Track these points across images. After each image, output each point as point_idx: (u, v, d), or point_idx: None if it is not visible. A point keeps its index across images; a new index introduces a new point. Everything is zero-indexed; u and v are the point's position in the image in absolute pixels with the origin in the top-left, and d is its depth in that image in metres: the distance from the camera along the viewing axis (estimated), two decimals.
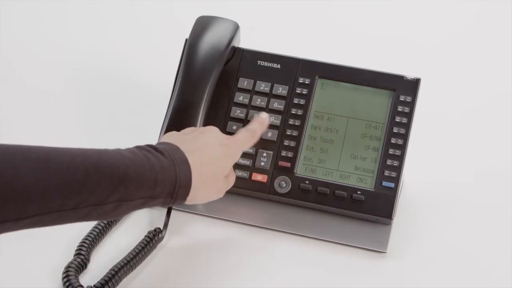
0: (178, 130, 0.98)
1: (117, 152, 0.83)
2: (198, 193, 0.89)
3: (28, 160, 0.75)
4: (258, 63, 1.07)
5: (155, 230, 0.98)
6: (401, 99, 1.02)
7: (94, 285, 0.91)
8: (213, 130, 0.95)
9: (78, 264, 0.94)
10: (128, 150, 0.84)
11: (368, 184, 1.01)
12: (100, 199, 0.79)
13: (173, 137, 0.93)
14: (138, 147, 0.86)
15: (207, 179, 0.89)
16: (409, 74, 1.03)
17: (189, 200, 0.88)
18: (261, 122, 1.00)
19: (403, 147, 1.01)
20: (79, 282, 0.91)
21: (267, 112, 1.04)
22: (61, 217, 0.79)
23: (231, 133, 1.04)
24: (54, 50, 1.32)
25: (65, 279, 0.92)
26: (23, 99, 1.22)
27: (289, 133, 1.03)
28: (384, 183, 1.00)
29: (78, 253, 0.95)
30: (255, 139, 0.99)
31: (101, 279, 0.92)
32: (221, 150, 0.92)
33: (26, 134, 1.14)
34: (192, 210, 1.04)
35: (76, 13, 1.39)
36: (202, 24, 1.06)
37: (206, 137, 0.93)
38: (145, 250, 0.96)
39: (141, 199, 0.83)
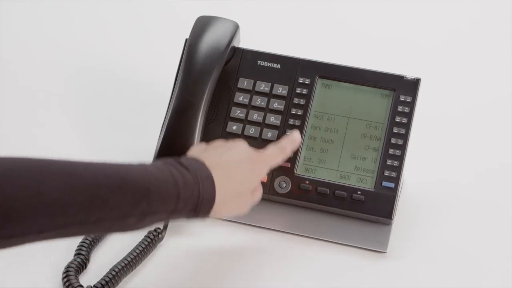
0: (178, 130, 0.98)
1: (142, 167, 0.83)
2: (222, 209, 0.88)
3: (52, 175, 0.76)
4: (258, 63, 1.07)
5: (155, 230, 0.98)
6: (401, 99, 1.02)
7: (94, 285, 0.91)
8: (241, 146, 0.95)
9: (78, 264, 0.94)
10: (153, 165, 0.85)
11: (368, 184, 1.01)
12: (123, 214, 0.80)
13: (200, 151, 0.93)
14: (163, 161, 0.86)
15: (231, 195, 0.89)
16: (409, 74, 1.03)
17: (213, 214, 0.88)
18: (292, 140, 0.99)
19: (403, 147, 1.01)
20: (79, 282, 0.91)
21: (267, 112, 1.04)
22: (84, 230, 0.79)
23: (231, 133, 1.04)
24: (54, 50, 1.32)
25: (65, 279, 0.92)
26: (23, 99, 1.22)
27: (289, 133, 1.03)
28: (384, 183, 1.00)
29: (78, 253, 0.95)
30: (284, 156, 0.98)
31: (101, 279, 0.92)
32: (247, 166, 0.92)
33: (26, 134, 1.14)
34: None
35: (76, 13, 1.39)
36: (202, 24, 1.06)
37: (233, 153, 0.92)
38: (145, 250, 0.96)
39: (163, 213, 0.83)
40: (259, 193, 0.95)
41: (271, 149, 0.97)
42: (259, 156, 0.94)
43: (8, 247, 0.76)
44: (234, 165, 0.90)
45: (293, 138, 1.00)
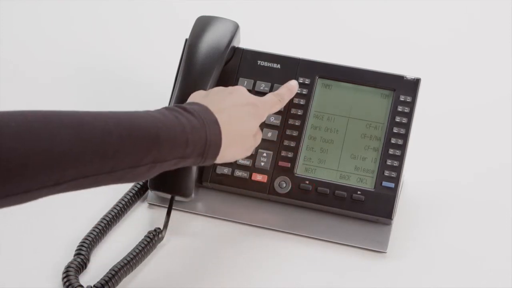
0: None
1: (148, 114, 0.84)
2: (227, 152, 0.90)
3: (63, 128, 0.77)
4: (258, 63, 1.07)
5: (155, 230, 0.98)
6: (401, 99, 1.02)
7: (94, 285, 0.91)
8: (241, 90, 0.96)
9: (78, 264, 0.94)
10: (158, 111, 0.86)
11: (368, 184, 1.01)
12: (135, 161, 0.81)
13: (202, 96, 0.94)
14: (167, 108, 0.87)
15: (235, 138, 0.91)
16: (409, 74, 1.03)
17: (219, 159, 0.90)
18: (289, 89, 1.02)
19: (403, 147, 1.01)
20: (79, 282, 0.91)
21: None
22: (97, 181, 0.80)
23: None
24: (54, 50, 1.32)
25: (65, 279, 0.92)
26: (23, 98, 1.22)
27: (289, 133, 1.03)
28: (384, 183, 1.00)
29: (78, 253, 0.95)
30: (282, 104, 1.01)
31: (101, 279, 0.92)
32: (248, 110, 0.94)
33: None
34: (192, 210, 1.04)
35: (76, 13, 1.39)
36: (202, 24, 1.06)
37: (234, 97, 0.94)
38: (145, 250, 0.96)
39: (173, 159, 0.85)
40: (259, 136, 0.98)
41: (269, 96, 1.00)
42: (259, 101, 0.96)
43: (24, 202, 0.77)
44: (237, 109, 0.92)
45: (290, 86, 1.02)
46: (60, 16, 1.39)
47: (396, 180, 1.00)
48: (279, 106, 1.00)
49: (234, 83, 1.06)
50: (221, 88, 0.97)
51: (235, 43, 1.07)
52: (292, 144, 1.03)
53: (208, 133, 0.87)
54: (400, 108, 1.02)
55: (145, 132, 0.82)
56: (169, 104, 1.03)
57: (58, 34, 1.35)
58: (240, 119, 0.92)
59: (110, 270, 0.93)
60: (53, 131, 0.76)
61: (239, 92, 0.95)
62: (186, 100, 0.99)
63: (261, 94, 1.05)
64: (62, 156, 0.76)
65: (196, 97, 0.95)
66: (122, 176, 0.81)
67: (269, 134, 1.03)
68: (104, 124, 0.80)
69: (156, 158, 0.83)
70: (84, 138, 0.77)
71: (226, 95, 0.94)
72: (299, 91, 1.04)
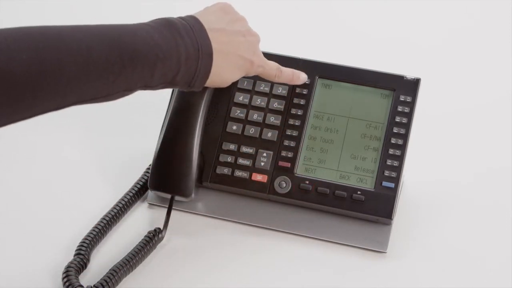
0: (178, 130, 0.98)
1: (149, 35, 0.86)
2: (217, 79, 0.93)
3: (72, 54, 0.79)
4: None
5: (155, 230, 0.98)
6: (401, 99, 1.02)
7: (94, 285, 0.91)
8: (244, 22, 0.98)
9: (78, 264, 0.94)
10: (159, 31, 0.87)
11: (368, 184, 1.01)
12: (129, 87, 0.85)
13: (209, 13, 0.95)
14: (169, 26, 0.89)
15: (228, 65, 0.93)
16: (409, 74, 1.03)
17: (208, 85, 0.93)
18: (295, 74, 1.02)
19: (403, 147, 1.01)
20: (79, 282, 0.91)
21: (267, 112, 1.04)
22: (93, 102, 0.84)
23: (231, 133, 1.04)
24: None
25: (65, 279, 0.92)
26: None
27: (289, 133, 1.03)
28: (384, 183, 1.00)
29: (78, 253, 0.95)
30: (275, 78, 1.01)
31: (101, 279, 0.92)
32: (246, 39, 0.96)
33: (26, 133, 1.14)
34: (192, 210, 1.04)
35: (76, 13, 1.39)
36: None
37: (237, 25, 0.96)
38: (145, 250, 0.96)
39: (160, 84, 0.88)
40: (251, 38, 0.97)
41: (273, 63, 1.01)
42: (257, 39, 0.98)
43: (30, 118, 0.80)
44: (235, 38, 0.94)
45: (296, 73, 1.03)
46: (61, 15, 1.39)
47: (396, 180, 1.00)
48: (271, 74, 1.01)
49: (234, 83, 1.05)
50: (227, 8, 0.98)
51: None
52: (292, 144, 1.03)
53: (200, 66, 0.90)
54: (400, 108, 1.02)
55: (145, 60, 0.84)
56: (169, 104, 1.03)
57: None
58: (236, 47, 0.94)
59: (110, 270, 0.93)
60: (61, 57, 0.78)
61: (242, 23, 0.97)
62: (186, 100, 0.99)
63: (261, 94, 1.05)
64: (68, 83, 0.78)
65: (207, 11, 0.96)
66: (115, 98, 0.85)
67: (269, 134, 1.03)
68: (109, 51, 0.81)
69: (147, 84, 0.86)
70: (89, 66, 0.80)
71: (229, 21, 0.95)
72: (299, 91, 1.04)
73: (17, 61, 0.75)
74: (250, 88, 1.05)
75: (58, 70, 0.77)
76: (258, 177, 1.02)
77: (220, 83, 0.95)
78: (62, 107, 0.81)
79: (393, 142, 1.01)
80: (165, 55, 0.86)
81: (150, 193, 1.05)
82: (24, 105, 0.77)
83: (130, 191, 1.04)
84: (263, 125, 1.03)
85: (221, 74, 0.93)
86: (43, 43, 0.77)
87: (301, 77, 1.03)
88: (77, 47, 0.79)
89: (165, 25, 0.89)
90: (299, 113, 1.04)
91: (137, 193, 1.04)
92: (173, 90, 1.05)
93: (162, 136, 1.01)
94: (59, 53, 0.78)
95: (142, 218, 1.03)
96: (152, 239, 0.97)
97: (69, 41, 0.79)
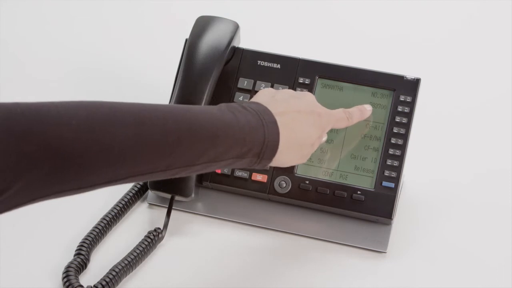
0: None
1: (207, 112, 0.83)
2: (283, 157, 0.88)
3: (124, 127, 0.75)
4: (258, 63, 1.07)
5: (155, 230, 0.98)
6: (401, 99, 1.02)
7: (94, 285, 0.91)
8: (309, 97, 0.94)
9: (78, 264, 0.94)
10: (217, 108, 0.84)
11: (368, 184, 1.01)
12: (191, 160, 0.80)
13: (266, 97, 0.92)
14: (226, 105, 0.85)
15: (293, 143, 0.89)
16: (409, 74, 1.03)
17: (274, 162, 0.88)
18: (361, 110, 1.00)
19: (403, 147, 1.01)
20: (79, 282, 0.92)
21: None
22: (151, 177, 0.79)
23: None
24: (54, 48, 1.32)
25: (65, 279, 0.92)
26: (24, 97, 1.22)
27: None
28: (384, 183, 1.00)
29: (78, 253, 0.95)
30: (349, 123, 0.98)
31: (101, 279, 0.92)
32: (312, 118, 0.92)
33: None
34: (192, 210, 1.04)
35: (77, 13, 1.39)
36: (202, 24, 1.06)
37: (299, 103, 0.92)
38: (145, 250, 0.96)
39: (229, 159, 0.83)
40: (318, 144, 0.94)
41: (339, 111, 0.97)
42: (326, 113, 0.94)
43: (75, 194, 0.76)
44: (300, 115, 0.90)
45: (362, 108, 1.00)
46: (61, 15, 1.39)
47: (396, 180, 1.00)
48: (346, 123, 0.98)
49: (234, 83, 1.06)
50: (289, 91, 0.95)
51: (235, 43, 1.07)
52: None
53: (267, 133, 0.85)
54: (400, 108, 1.02)
55: (204, 131, 0.80)
56: (169, 102, 1.03)
57: (60, 33, 1.35)
58: (301, 125, 0.90)
59: (110, 270, 0.93)
60: (113, 131, 0.74)
61: (306, 99, 0.93)
62: (186, 100, 0.99)
63: None
64: (121, 156, 0.75)
65: (262, 95, 0.93)
66: (177, 173, 0.81)
67: None
68: (163, 123, 0.78)
69: (212, 157, 0.82)
70: (143, 138, 0.76)
71: (292, 99, 0.92)
72: (298, 91, 1.04)
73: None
74: (250, 88, 1.05)
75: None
76: (258, 177, 1.02)
77: (299, 145, 0.90)
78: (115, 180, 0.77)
79: (393, 142, 1.01)
80: (226, 124, 0.82)
81: (150, 193, 1.05)
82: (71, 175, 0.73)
83: (130, 191, 1.04)
84: None
85: (297, 133, 0.89)
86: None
87: (367, 108, 1.01)
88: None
89: (223, 105, 0.86)
90: None
91: (137, 193, 1.04)
92: (173, 88, 1.05)
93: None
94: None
95: (142, 218, 1.03)
96: (152, 239, 0.97)
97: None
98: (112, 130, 0.74)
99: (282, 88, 1.05)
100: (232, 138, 0.82)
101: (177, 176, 0.82)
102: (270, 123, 0.86)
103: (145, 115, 0.77)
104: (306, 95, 0.94)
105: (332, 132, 1.03)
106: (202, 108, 0.84)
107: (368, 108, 1.01)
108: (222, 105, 0.85)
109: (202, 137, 0.80)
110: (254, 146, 0.84)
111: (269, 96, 0.92)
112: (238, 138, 0.83)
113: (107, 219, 1.00)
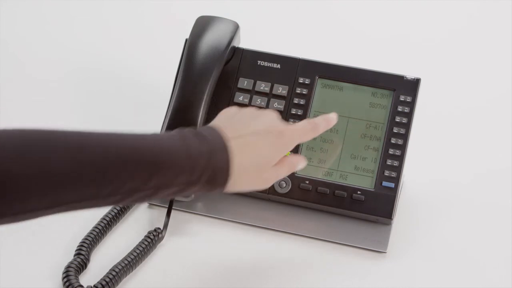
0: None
1: (155, 139, 0.82)
2: (240, 182, 0.85)
3: (62, 150, 0.74)
4: (258, 63, 1.07)
5: (155, 230, 0.98)
6: (401, 99, 1.02)
7: (94, 285, 0.91)
8: (270, 116, 0.90)
9: (78, 264, 0.94)
10: (168, 136, 0.83)
11: (368, 184, 1.01)
12: (135, 188, 0.79)
13: (225, 118, 0.90)
14: (179, 131, 0.84)
15: (249, 168, 0.86)
16: (409, 74, 1.03)
17: (231, 188, 0.85)
18: (327, 119, 0.94)
19: (403, 147, 1.01)
20: (79, 282, 0.91)
21: None
22: (94, 204, 0.78)
23: None
24: (54, 48, 1.32)
25: (65, 279, 0.92)
26: (24, 97, 1.22)
27: None
28: (384, 183, 1.00)
29: (78, 253, 0.95)
30: (314, 134, 0.93)
31: (101, 279, 0.92)
32: (270, 138, 0.88)
33: None
34: (192, 210, 1.04)
35: (77, 13, 1.39)
36: (202, 24, 1.06)
37: (258, 123, 0.88)
38: (145, 250, 0.96)
39: (179, 185, 0.81)
40: (285, 168, 0.90)
41: (302, 123, 0.92)
42: (287, 130, 0.89)
43: (15, 223, 0.75)
44: (257, 137, 0.87)
45: (328, 117, 0.95)
46: (62, 15, 1.39)
47: (396, 180, 1.00)
48: (312, 134, 0.92)
49: (234, 83, 1.06)
50: (250, 110, 0.91)
51: (235, 43, 1.07)
52: None
53: (215, 160, 0.82)
54: (400, 108, 1.02)
55: (149, 158, 0.79)
56: (169, 104, 1.03)
57: (60, 33, 1.35)
58: (257, 148, 0.86)
59: (110, 270, 0.93)
60: (51, 155, 0.74)
61: (266, 118, 0.90)
62: (186, 100, 0.99)
63: (262, 94, 1.05)
64: (59, 180, 0.74)
65: (223, 115, 0.91)
66: (122, 199, 0.79)
67: None
68: (105, 148, 0.77)
69: (159, 184, 0.80)
70: (83, 163, 0.75)
71: (250, 120, 0.89)
72: (299, 91, 1.04)
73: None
74: (250, 88, 1.05)
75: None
76: None
77: (257, 168, 0.87)
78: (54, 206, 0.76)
79: (393, 142, 1.01)
80: (170, 151, 0.81)
81: None
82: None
83: None
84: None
85: (252, 157, 0.86)
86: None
87: (333, 116, 0.95)
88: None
89: (177, 131, 0.84)
90: (299, 113, 1.04)
91: None
92: (173, 88, 1.05)
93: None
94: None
95: (142, 218, 1.03)
96: (152, 239, 0.97)
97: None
98: (49, 154, 0.74)
99: (282, 89, 1.05)
100: (178, 166, 0.80)
101: (124, 204, 0.80)
102: (220, 150, 0.83)
103: (85, 139, 0.77)
104: (266, 113, 0.90)
105: (332, 132, 1.03)
106: (150, 135, 0.82)
107: (333, 117, 0.95)
108: (175, 133, 0.83)
109: (146, 163, 0.78)
110: (203, 174, 0.82)
111: (229, 117, 0.90)
112: (184, 166, 0.81)
113: (107, 219, 1.00)
